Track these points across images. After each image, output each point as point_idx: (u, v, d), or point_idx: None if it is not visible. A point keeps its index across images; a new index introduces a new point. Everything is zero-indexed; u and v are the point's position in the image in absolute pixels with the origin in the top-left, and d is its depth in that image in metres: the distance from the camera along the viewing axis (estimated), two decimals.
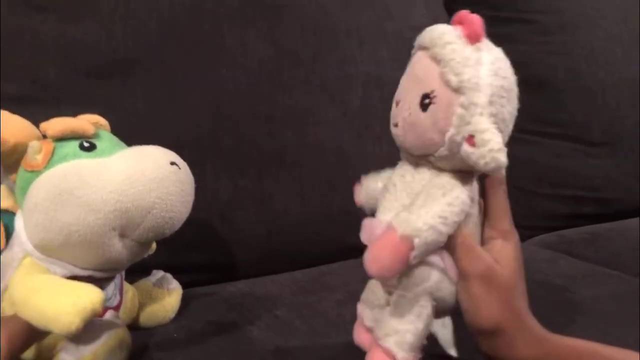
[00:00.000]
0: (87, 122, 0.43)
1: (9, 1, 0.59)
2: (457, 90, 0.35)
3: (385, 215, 0.40)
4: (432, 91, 0.36)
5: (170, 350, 0.47)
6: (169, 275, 0.53)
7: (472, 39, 0.36)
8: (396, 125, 0.39)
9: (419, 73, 0.38)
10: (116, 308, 0.46)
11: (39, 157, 0.39)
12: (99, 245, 0.39)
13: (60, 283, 0.38)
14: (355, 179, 0.70)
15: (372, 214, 0.42)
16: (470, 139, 0.35)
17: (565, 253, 0.73)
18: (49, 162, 0.39)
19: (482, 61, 0.36)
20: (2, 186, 0.42)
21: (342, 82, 0.73)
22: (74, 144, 0.40)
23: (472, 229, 0.39)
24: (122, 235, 0.40)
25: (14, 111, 0.42)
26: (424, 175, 0.39)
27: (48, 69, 0.59)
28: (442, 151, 0.36)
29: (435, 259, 0.38)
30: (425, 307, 0.38)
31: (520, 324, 0.38)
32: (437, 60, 0.36)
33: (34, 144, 0.39)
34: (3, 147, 0.39)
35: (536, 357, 0.37)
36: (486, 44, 0.37)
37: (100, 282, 0.42)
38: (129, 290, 0.49)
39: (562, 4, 0.91)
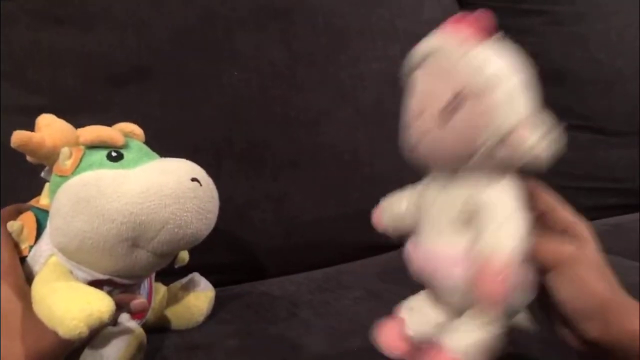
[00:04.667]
0: (119, 132, 0.43)
1: (28, 15, 0.61)
2: (483, 90, 0.33)
3: (432, 242, 0.38)
4: (459, 92, 0.33)
5: (189, 350, 0.48)
6: (198, 278, 0.53)
7: (481, 36, 0.34)
8: (417, 145, 0.37)
9: (429, 87, 0.36)
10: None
11: (68, 163, 0.40)
12: (112, 254, 0.40)
13: (76, 288, 0.39)
14: (370, 177, 0.71)
15: (400, 237, 0.41)
16: (508, 136, 0.33)
17: None
18: (76, 169, 0.40)
19: (495, 57, 0.34)
20: (46, 184, 0.43)
21: (355, 81, 0.73)
22: (102, 153, 0.41)
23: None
24: (136, 246, 0.40)
25: (33, 122, 0.43)
26: (460, 191, 0.36)
27: (67, 79, 0.61)
28: (476, 159, 0.34)
29: None
30: (495, 328, 0.37)
31: (622, 297, 0.36)
32: (449, 67, 0.34)
33: (64, 150, 0.41)
34: (41, 149, 0.40)
35: None
36: (485, 41, 0.35)
37: (123, 288, 0.43)
38: (160, 291, 0.50)
39: None
